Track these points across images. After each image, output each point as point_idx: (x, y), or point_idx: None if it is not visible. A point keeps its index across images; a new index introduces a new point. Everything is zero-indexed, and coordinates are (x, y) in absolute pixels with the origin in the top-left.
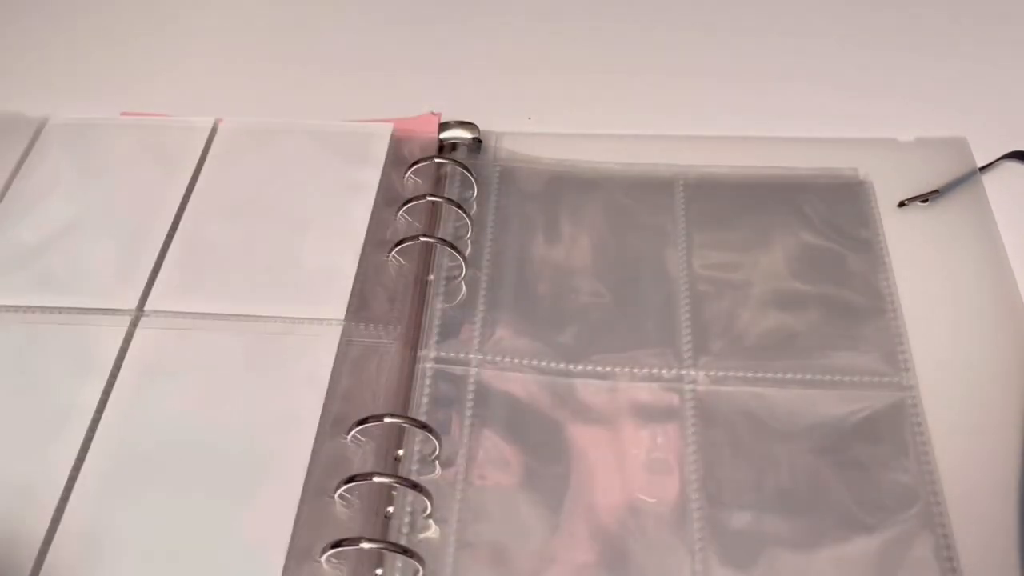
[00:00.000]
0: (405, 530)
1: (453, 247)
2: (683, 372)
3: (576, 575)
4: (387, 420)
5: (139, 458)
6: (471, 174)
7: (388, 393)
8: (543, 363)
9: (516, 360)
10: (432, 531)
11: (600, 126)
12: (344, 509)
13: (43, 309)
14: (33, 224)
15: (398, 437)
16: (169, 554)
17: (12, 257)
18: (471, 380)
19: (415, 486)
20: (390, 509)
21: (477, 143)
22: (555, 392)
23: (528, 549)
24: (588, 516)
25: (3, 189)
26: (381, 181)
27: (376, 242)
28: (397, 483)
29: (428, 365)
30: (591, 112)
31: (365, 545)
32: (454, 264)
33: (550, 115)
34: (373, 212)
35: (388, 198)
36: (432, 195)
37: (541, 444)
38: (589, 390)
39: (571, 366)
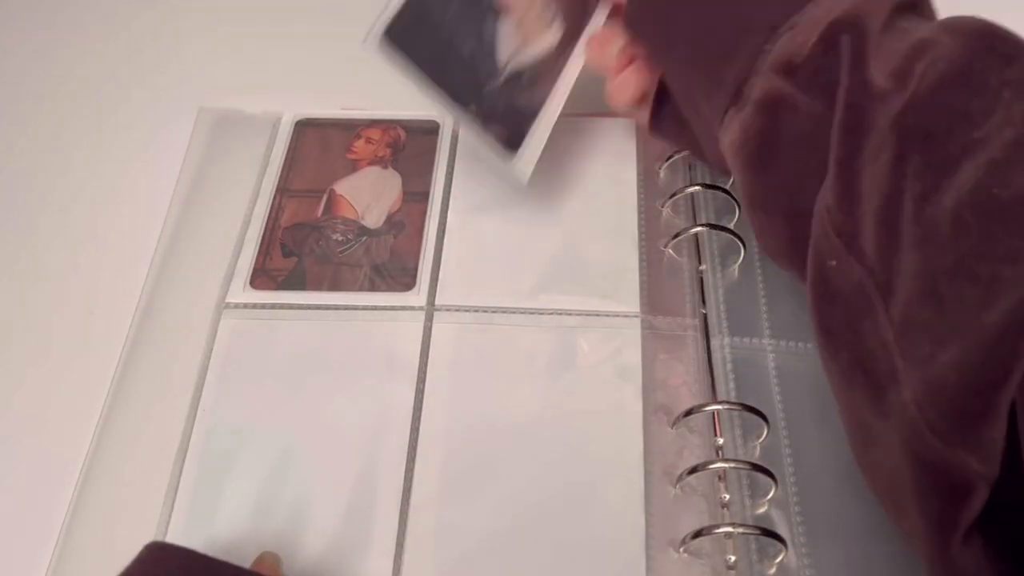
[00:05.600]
0: (748, 516)
1: (735, 235)
2: None
3: None
4: (719, 407)
5: (469, 453)
6: None
7: (694, 382)
8: None
9: (803, 344)
10: (769, 513)
11: None
12: (685, 498)
13: (335, 308)
14: None
15: (714, 425)
16: (523, 549)
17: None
18: (771, 364)
19: (765, 471)
20: (725, 496)
21: None
22: None
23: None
24: None
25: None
26: (638, 173)
27: (647, 234)
28: (744, 468)
29: (726, 353)
30: None
31: (732, 530)
32: (725, 252)
33: None
34: (639, 205)
35: (646, 190)
36: (704, 184)
37: None
38: None
39: None
